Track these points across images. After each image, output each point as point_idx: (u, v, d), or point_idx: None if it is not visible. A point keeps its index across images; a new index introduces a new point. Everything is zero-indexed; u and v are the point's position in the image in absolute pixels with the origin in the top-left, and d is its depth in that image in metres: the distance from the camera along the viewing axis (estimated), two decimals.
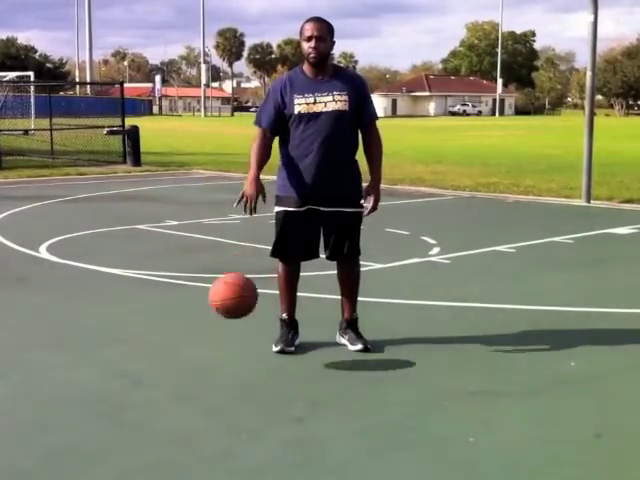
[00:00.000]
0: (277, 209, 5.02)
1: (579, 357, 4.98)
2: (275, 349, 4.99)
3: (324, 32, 4.83)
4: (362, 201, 4.98)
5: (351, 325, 5.11)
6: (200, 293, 6.70)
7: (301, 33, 4.86)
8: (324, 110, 4.82)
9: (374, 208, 4.99)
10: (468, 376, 4.64)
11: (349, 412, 4.11)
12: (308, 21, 4.87)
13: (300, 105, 4.83)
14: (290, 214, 4.94)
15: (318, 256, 5.10)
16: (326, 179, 4.87)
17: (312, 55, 4.80)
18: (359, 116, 4.93)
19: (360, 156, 4.99)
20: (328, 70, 4.90)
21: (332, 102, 4.82)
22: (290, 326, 5.10)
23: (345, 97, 4.84)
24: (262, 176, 4.85)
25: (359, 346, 5.03)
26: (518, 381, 4.57)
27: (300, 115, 4.83)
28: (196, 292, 6.73)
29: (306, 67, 4.91)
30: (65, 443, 3.74)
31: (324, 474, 3.45)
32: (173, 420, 4.01)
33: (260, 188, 4.80)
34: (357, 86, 4.92)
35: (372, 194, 4.97)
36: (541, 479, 3.42)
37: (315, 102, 4.82)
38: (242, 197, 4.80)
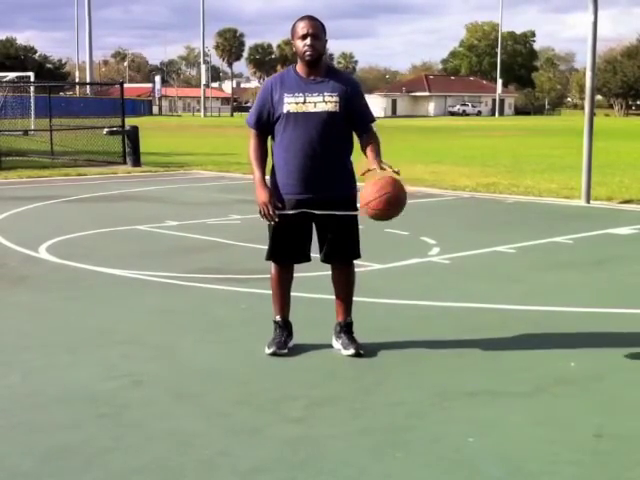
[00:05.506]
0: None
1: (579, 357, 4.98)
2: (268, 351, 4.96)
3: (319, 30, 4.75)
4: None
5: (345, 329, 5.05)
6: (200, 293, 6.72)
7: (294, 32, 4.77)
8: (313, 110, 4.74)
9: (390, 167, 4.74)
10: (468, 376, 4.64)
11: (349, 412, 4.11)
12: (301, 20, 4.79)
13: (290, 104, 4.76)
14: (282, 216, 4.84)
15: (309, 259, 5.04)
16: (317, 181, 4.79)
17: (308, 53, 4.72)
18: (353, 119, 4.84)
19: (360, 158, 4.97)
20: (322, 70, 4.82)
21: (322, 103, 4.74)
22: (284, 328, 5.06)
23: (336, 98, 4.75)
24: None
25: (351, 351, 4.94)
26: (518, 381, 4.56)
27: (289, 115, 4.76)
28: (196, 292, 6.74)
29: (299, 66, 4.83)
30: (65, 443, 3.73)
31: (324, 474, 3.44)
32: (173, 420, 4.01)
33: (270, 189, 4.80)
34: (349, 88, 4.82)
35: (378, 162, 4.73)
36: (541, 479, 3.42)
37: (305, 102, 4.75)
38: (260, 210, 4.79)
